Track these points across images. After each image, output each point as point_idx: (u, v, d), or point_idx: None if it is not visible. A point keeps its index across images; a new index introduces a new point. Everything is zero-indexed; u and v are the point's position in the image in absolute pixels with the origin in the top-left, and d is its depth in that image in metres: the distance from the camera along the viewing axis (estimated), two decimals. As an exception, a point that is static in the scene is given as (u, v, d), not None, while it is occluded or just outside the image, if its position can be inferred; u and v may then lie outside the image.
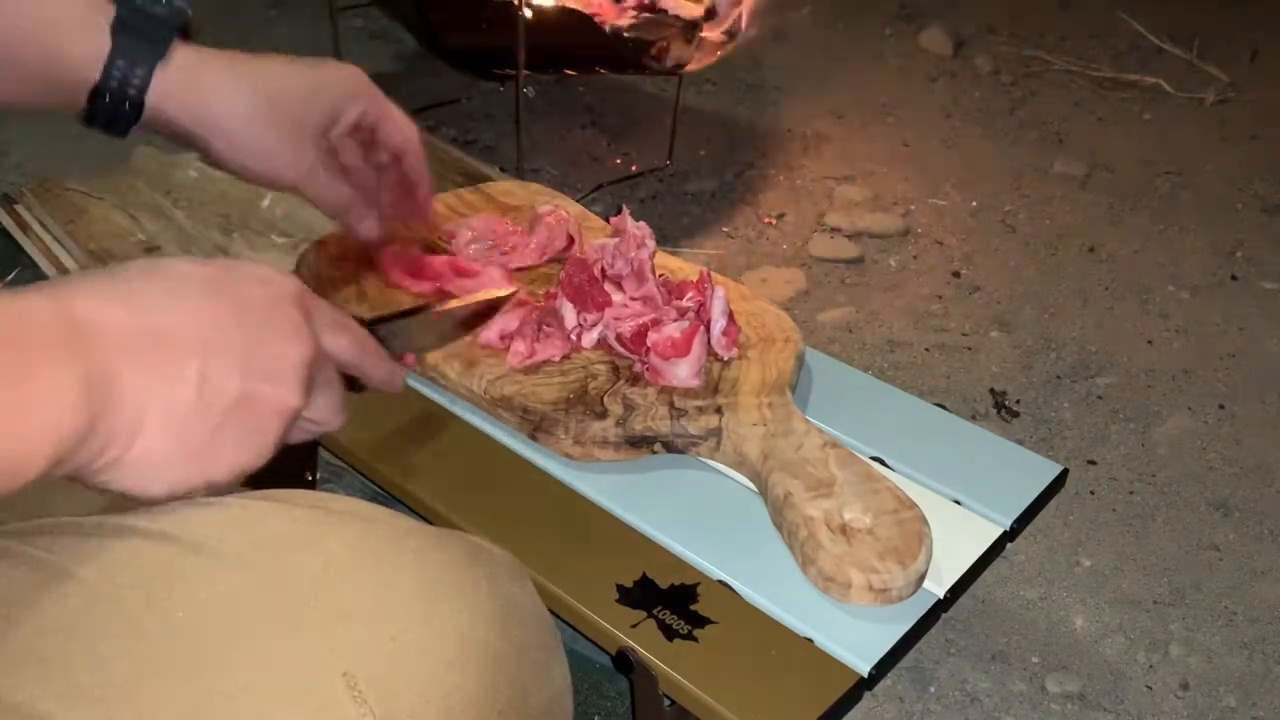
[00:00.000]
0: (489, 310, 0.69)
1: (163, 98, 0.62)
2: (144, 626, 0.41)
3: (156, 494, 0.42)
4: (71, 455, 0.37)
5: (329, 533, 0.46)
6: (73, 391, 0.37)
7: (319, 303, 0.48)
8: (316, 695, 0.41)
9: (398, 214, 0.77)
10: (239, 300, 0.43)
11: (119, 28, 0.60)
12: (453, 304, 0.66)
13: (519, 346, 0.73)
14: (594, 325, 0.75)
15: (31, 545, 0.44)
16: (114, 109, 0.61)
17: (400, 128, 0.72)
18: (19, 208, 1.37)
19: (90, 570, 0.43)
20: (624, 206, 0.84)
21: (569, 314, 0.75)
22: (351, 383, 0.53)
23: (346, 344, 0.50)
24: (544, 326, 0.74)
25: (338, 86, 0.68)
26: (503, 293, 0.69)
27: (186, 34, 0.64)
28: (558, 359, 0.73)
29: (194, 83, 0.62)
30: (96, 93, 0.60)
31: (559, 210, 0.87)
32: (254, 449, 0.44)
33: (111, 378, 0.38)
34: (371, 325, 0.56)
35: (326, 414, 0.49)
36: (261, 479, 0.49)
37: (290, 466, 0.95)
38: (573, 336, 0.75)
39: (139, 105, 0.61)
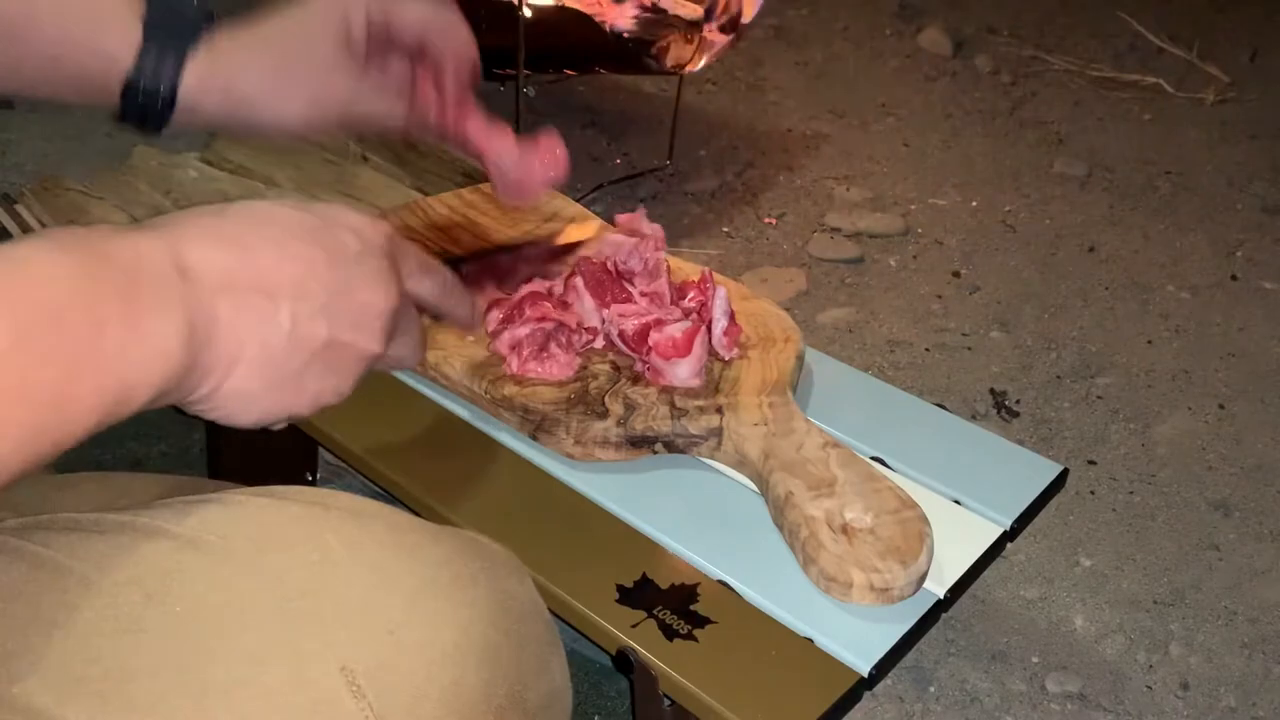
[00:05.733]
0: (567, 251, 0.74)
1: (194, 88, 0.63)
2: (141, 621, 0.42)
3: (245, 423, 0.45)
4: (172, 390, 0.40)
5: (327, 528, 0.46)
6: (177, 337, 0.39)
7: (407, 248, 0.51)
8: (315, 689, 0.41)
9: (448, 112, 0.73)
10: (332, 249, 0.45)
11: (149, 23, 0.61)
12: (532, 244, 0.70)
13: (512, 361, 0.72)
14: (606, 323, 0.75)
15: (30, 541, 0.44)
16: (147, 102, 0.62)
17: (410, 12, 0.69)
18: (19, 208, 1.37)
19: (88, 566, 0.43)
20: (641, 207, 0.84)
21: (590, 312, 0.75)
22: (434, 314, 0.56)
23: (431, 287, 0.53)
24: (552, 344, 0.73)
25: (335, 2, 0.67)
26: (585, 235, 0.73)
27: (211, 21, 0.65)
28: (551, 380, 0.73)
29: (217, 63, 0.63)
30: (129, 86, 0.61)
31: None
32: (334, 388, 0.47)
33: (212, 323, 0.41)
34: (457, 263, 0.58)
35: (407, 354, 0.52)
36: (261, 478, 0.49)
37: (290, 466, 0.95)
38: (599, 330, 0.75)
39: (171, 99, 0.62)
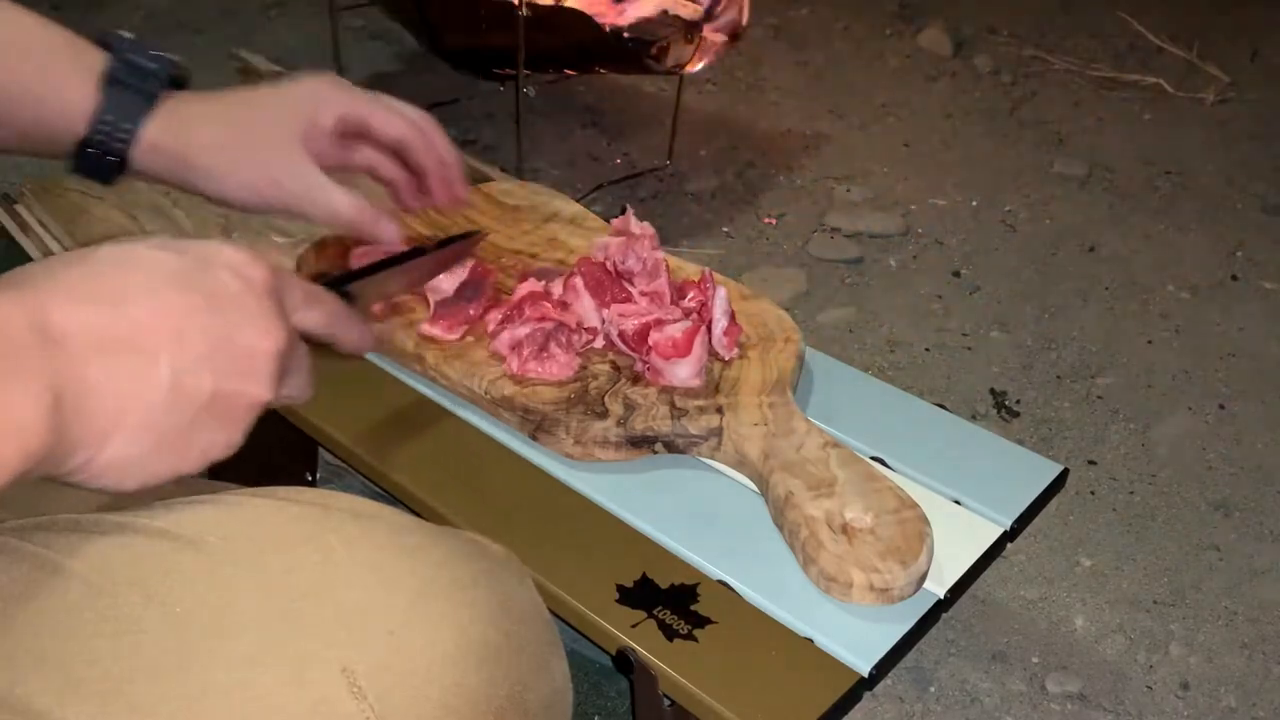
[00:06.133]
0: (456, 256, 0.73)
1: (148, 149, 0.62)
2: (142, 622, 0.42)
3: (128, 489, 0.42)
4: (36, 468, 0.37)
5: (328, 529, 0.46)
6: (38, 410, 0.36)
7: (289, 281, 0.48)
8: (315, 690, 0.41)
9: (433, 206, 0.77)
10: (211, 292, 0.42)
11: (108, 81, 0.61)
12: (420, 258, 0.68)
13: (512, 361, 0.72)
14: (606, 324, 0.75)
15: (30, 542, 0.45)
16: (99, 161, 0.61)
17: (390, 121, 0.70)
18: (19, 208, 1.37)
19: (88, 566, 0.43)
20: (627, 207, 0.84)
21: (590, 312, 0.75)
22: (324, 345, 0.54)
23: (318, 318, 0.50)
24: (552, 344, 0.73)
25: (307, 95, 0.67)
26: (468, 234, 0.73)
27: (181, 85, 0.64)
28: (551, 380, 0.73)
29: (175, 130, 0.62)
30: (83, 145, 0.61)
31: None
32: (224, 441, 0.43)
33: (81, 390, 0.37)
34: (341, 282, 0.56)
35: (298, 392, 0.49)
36: (261, 478, 0.49)
37: (290, 466, 0.95)
38: (599, 330, 0.75)
39: (124, 158, 0.62)
